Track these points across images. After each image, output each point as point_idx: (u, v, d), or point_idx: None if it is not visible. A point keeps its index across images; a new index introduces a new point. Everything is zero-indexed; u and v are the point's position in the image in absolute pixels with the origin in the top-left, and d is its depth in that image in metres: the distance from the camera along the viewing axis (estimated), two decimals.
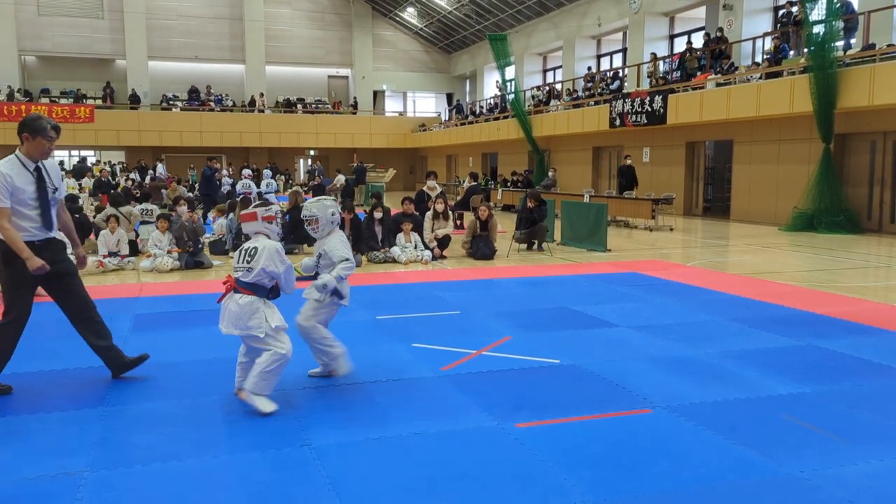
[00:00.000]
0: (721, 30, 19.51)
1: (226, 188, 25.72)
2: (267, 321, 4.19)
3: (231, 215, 11.93)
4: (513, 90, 26.09)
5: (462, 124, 32.66)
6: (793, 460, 3.52)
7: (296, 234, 11.26)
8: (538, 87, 29.63)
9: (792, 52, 16.72)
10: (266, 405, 4.16)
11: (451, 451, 3.68)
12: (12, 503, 3.13)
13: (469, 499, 3.14)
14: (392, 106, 40.22)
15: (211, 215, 15.20)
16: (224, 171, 30.03)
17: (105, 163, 31.49)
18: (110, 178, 25.42)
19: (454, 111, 36.88)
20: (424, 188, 14.22)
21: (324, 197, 4.93)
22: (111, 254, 10.30)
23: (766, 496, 3.17)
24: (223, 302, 4.32)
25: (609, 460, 3.54)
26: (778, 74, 16.00)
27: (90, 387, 4.76)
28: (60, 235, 4.79)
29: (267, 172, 23.52)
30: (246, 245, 4.34)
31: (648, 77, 21.92)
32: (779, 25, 18.38)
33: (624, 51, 26.16)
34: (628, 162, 19.02)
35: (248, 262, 4.23)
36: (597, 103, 22.29)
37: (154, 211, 13.09)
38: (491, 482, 3.31)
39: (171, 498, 3.17)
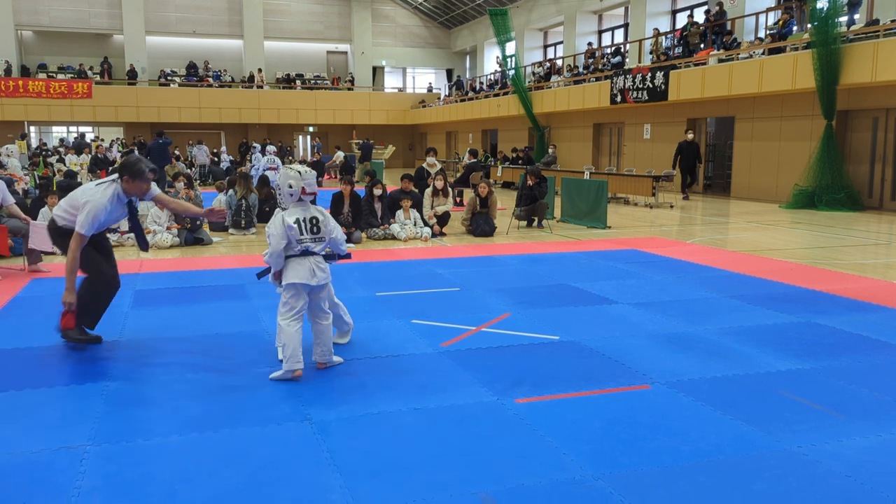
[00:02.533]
0: (720, 4, 19.30)
1: (224, 165, 25.69)
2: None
3: (231, 191, 11.87)
4: (513, 66, 25.87)
5: (462, 101, 32.45)
6: (791, 435, 3.54)
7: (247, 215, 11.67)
8: (539, 63, 29.39)
9: (795, 28, 16.57)
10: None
11: (450, 426, 3.70)
12: (15, 477, 3.15)
13: (468, 473, 3.16)
14: (391, 82, 39.91)
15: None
16: (223, 149, 29.92)
17: (101, 139, 31.30)
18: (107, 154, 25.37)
19: (454, 87, 36.61)
20: (424, 165, 14.16)
21: (294, 166, 4.45)
22: (110, 230, 10.27)
23: (764, 471, 3.19)
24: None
25: (608, 435, 3.56)
26: (781, 50, 15.86)
27: (92, 361, 4.78)
28: None
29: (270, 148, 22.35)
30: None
31: (651, 53, 21.73)
32: (782, 0, 18.19)
33: (626, 26, 25.91)
34: (690, 137, 17.45)
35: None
36: (598, 79, 22.12)
37: None
38: (490, 457, 3.33)
39: (173, 472, 3.19)
